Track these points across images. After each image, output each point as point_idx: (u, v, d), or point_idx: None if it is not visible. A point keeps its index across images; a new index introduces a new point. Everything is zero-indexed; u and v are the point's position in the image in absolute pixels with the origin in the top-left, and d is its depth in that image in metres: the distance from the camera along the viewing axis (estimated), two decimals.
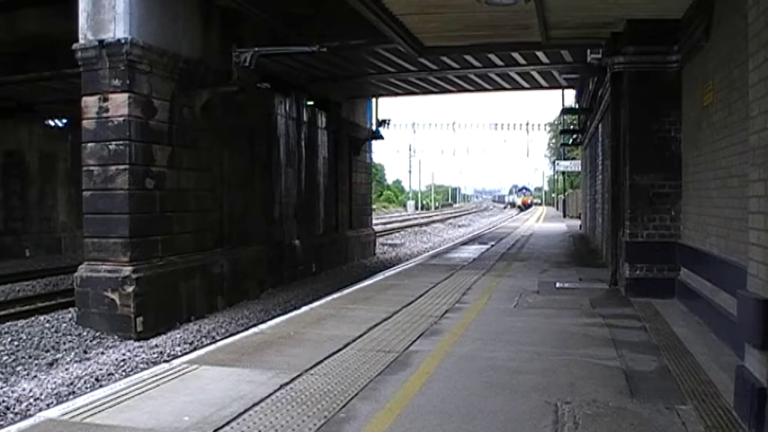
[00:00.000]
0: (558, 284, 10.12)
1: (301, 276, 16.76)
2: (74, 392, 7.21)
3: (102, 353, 9.07)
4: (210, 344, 7.81)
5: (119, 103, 10.08)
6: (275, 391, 4.54)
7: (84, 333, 9.84)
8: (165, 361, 7.58)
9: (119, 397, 4.41)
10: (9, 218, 20.80)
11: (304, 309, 8.18)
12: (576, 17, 9.29)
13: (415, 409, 4.19)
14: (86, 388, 7.37)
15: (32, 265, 17.98)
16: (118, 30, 10.01)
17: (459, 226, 44.28)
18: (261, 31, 13.17)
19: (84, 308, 10.14)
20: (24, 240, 20.85)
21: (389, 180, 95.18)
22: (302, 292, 14.32)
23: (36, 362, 8.57)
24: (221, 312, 11.88)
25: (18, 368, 8.29)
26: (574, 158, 37.28)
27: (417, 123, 62.67)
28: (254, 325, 8.26)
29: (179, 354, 8.69)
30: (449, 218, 55.34)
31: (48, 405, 6.67)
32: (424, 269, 12.48)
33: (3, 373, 8.05)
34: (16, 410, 6.71)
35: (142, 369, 7.74)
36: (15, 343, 9.35)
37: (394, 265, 15.96)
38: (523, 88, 20.63)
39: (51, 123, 22.71)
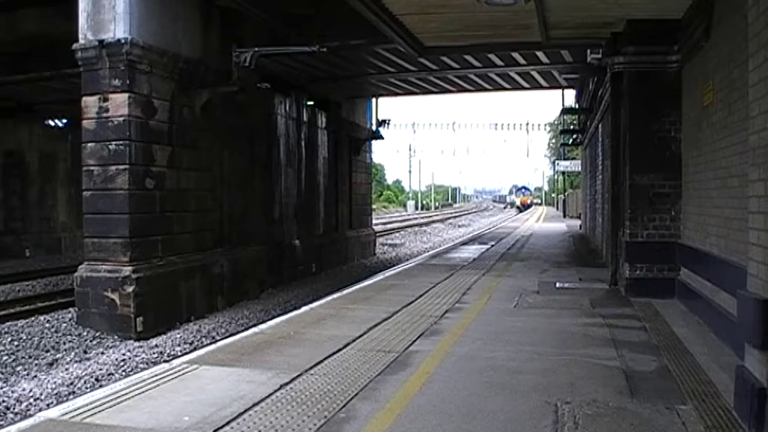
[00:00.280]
0: (558, 284, 10.12)
1: (301, 276, 16.76)
2: (74, 392, 7.21)
3: (102, 353, 9.07)
4: (210, 344, 7.81)
5: (119, 103, 10.08)
6: (275, 391, 4.54)
7: (84, 333, 9.84)
8: (165, 361, 7.58)
9: (119, 397, 4.41)
10: (9, 218, 20.80)
11: (304, 309, 8.18)
12: (576, 17, 9.29)
13: (415, 409, 4.19)
14: (86, 388, 7.37)
15: (32, 265, 17.98)
16: (118, 30, 10.01)
17: (459, 226, 44.29)
18: (261, 31, 13.17)
19: (84, 308, 10.14)
20: (24, 240, 20.85)
21: (389, 180, 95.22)
22: (302, 292, 14.32)
23: (36, 362, 8.57)
24: (221, 312, 11.88)
25: (18, 368, 8.29)
26: (574, 158, 37.27)
27: (417, 123, 62.77)
28: (254, 325, 8.26)
29: (179, 354, 8.69)
30: (449, 218, 55.35)
31: (48, 405, 6.67)
32: (424, 269, 12.48)
33: (3, 373, 8.05)
34: (16, 410, 6.71)
35: (142, 369, 7.74)
36: (15, 343, 9.35)
37: (394, 265, 15.96)
38: (523, 88, 20.63)
39: (51, 123, 22.71)
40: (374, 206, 37.39)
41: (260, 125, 14.61)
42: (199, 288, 11.57)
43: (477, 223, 47.59)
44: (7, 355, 8.80)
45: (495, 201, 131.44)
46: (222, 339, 7.61)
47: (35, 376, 7.95)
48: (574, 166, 35.35)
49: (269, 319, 8.32)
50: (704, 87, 7.11)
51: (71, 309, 10.82)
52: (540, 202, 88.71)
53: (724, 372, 4.91)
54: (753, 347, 3.82)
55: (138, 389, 4.60)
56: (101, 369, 8.22)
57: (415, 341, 6.11)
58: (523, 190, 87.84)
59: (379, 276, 11.80)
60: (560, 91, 23.88)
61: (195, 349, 8.06)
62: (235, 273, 12.76)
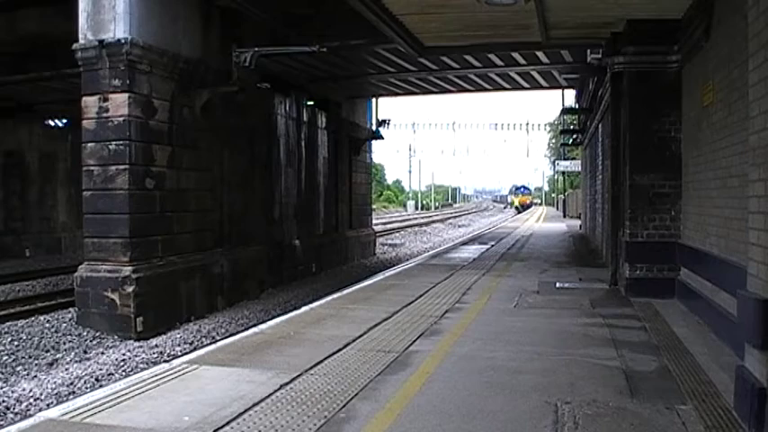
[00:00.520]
0: (558, 284, 10.12)
1: (301, 276, 16.76)
2: (74, 392, 7.21)
3: (102, 353, 9.07)
4: (210, 344, 7.81)
5: (119, 103, 10.08)
6: (275, 391, 4.54)
7: (84, 333, 9.84)
8: (165, 361, 7.58)
9: (119, 397, 4.41)
10: (9, 218, 20.80)
11: (304, 309, 8.18)
12: (576, 17, 9.29)
13: (415, 409, 4.19)
14: (86, 388, 7.37)
15: (32, 265, 17.98)
16: (118, 30, 10.01)
17: (459, 226, 44.29)
18: (261, 31, 13.17)
19: (84, 308, 10.14)
20: (24, 240, 20.85)
21: (389, 180, 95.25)
22: (302, 292, 14.32)
23: (36, 362, 8.57)
24: (221, 312, 11.88)
25: (18, 368, 8.29)
26: (574, 158, 37.27)
27: (417, 123, 62.77)
28: (254, 325, 8.26)
29: (179, 354, 8.68)
30: (449, 218, 55.35)
31: (48, 405, 6.67)
32: (424, 269, 12.48)
33: (3, 373, 8.05)
34: (16, 410, 6.71)
35: (142, 369, 7.74)
36: (15, 343, 9.35)
37: (394, 265, 15.96)
38: (523, 88, 20.63)
39: (51, 123, 22.71)
40: (374, 206, 37.39)
41: (260, 125, 14.61)
42: (199, 288, 11.57)
43: (477, 223, 47.59)
44: (7, 355, 8.79)
45: (494, 201, 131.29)
46: (222, 339, 7.61)
47: (35, 376, 7.95)
48: (574, 166, 35.35)
49: (269, 319, 8.32)
50: (704, 87, 7.11)
51: (71, 309, 10.82)
52: (540, 202, 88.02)
53: (724, 372, 4.91)
54: (753, 347, 3.82)
55: (138, 389, 4.60)
56: (101, 369, 8.22)
57: (415, 341, 6.11)
58: (522, 189, 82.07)
59: (379, 276, 11.80)
60: (560, 91, 23.89)
61: (195, 349, 8.06)
62: (235, 273, 12.76)
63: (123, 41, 9.95)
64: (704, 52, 7.21)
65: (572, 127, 27.07)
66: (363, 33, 12.20)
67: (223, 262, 12.39)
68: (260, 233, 14.30)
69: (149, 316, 10.09)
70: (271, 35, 13.20)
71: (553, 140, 60.81)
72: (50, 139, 22.12)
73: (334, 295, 9.34)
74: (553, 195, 76.90)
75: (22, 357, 8.75)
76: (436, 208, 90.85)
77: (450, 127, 46.00)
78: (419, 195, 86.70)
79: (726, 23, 6.26)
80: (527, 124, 55.61)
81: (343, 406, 4.24)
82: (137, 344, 9.49)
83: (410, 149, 70.09)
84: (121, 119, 10.07)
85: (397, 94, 22.33)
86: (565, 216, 41.26)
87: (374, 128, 23.76)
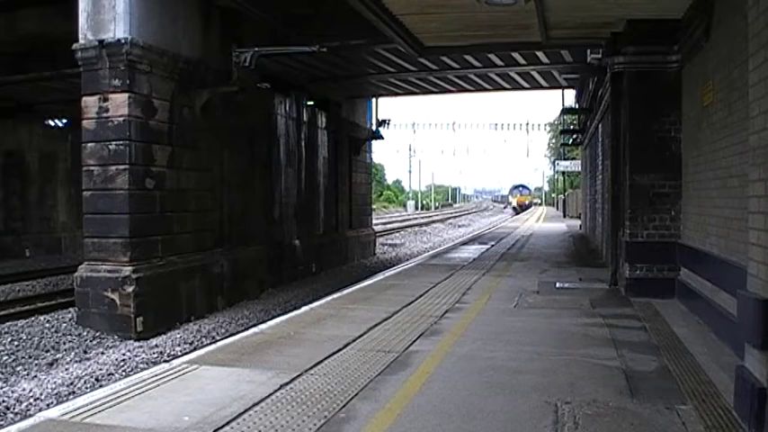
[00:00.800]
0: (558, 284, 10.12)
1: (301, 276, 16.76)
2: (74, 392, 7.21)
3: (102, 353, 9.07)
4: (210, 344, 7.81)
5: (119, 103, 10.08)
6: (275, 391, 4.54)
7: (84, 333, 9.84)
8: (165, 361, 7.58)
9: (119, 397, 4.41)
10: (9, 218, 20.80)
11: (304, 309, 8.18)
12: (576, 17, 9.29)
13: (415, 409, 4.19)
14: (86, 388, 7.37)
15: (32, 265, 17.98)
16: (118, 30, 10.01)
17: (459, 226, 44.29)
18: (261, 31, 13.17)
19: (84, 308, 10.14)
20: (24, 240, 20.85)
21: (389, 180, 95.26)
22: (302, 292, 14.32)
23: (36, 362, 8.57)
24: (221, 312, 11.88)
25: (18, 368, 8.29)
26: (574, 158, 37.27)
27: (417, 123, 62.78)
28: (254, 325, 8.26)
29: (179, 354, 8.69)
30: (449, 218, 55.34)
31: (48, 405, 6.67)
32: (424, 269, 12.48)
33: (3, 373, 8.05)
34: (16, 410, 6.72)
35: (142, 369, 7.74)
36: (15, 343, 9.35)
37: (394, 265, 15.96)
38: (523, 88, 20.63)
39: (51, 123, 22.71)
40: (374, 206, 37.39)
41: (260, 125, 14.61)
42: (199, 288, 11.57)
43: (477, 223, 47.59)
44: (7, 355, 8.80)
45: (494, 201, 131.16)
46: (222, 339, 7.61)
47: (35, 376, 7.95)
48: (574, 166, 35.35)
49: (269, 319, 8.32)
50: (704, 87, 7.11)
51: (71, 309, 10.82)
52: (540, 201, 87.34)
53: (724, 372, 4.91)
54: (753, 347, 3.82)
55: (138, 389, 4.60)
56: (101, 369, 8.22)
57: (415, 341, 6.11)
58: (520, 188, 75.78)
59: (379, 276, 11.80)
60: (560, 91, 23.89)
61: (195, 349, 8.06)
62: (235, 273, 12.76)
63: (123, 41, 9.95)
64: (704, 52, 7.21)
65: (572, 127, 27.07)
66: (363, 33, 12.20)
67: (223, 262, 12.39)
68: (260, 233, 14.31)
69: (149, 316, 10.08)
70: (271, 35, 13.20)
71: (553, 140, 60.76)
72: (50, 139, 22.12)
73: (334, 295, 9.34)
74: (553, 195, 76.49)
75: (22, 357, 8.75)
76: (436, 208, 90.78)
77: (450, 127, 46.04)
78: (419, 195, 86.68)
79: (726, 23, 6.26)
80: (527, 124, 55.71)
81: (343, 406, 4.24)
82: (137, 344, 9.49)
83: (410, 149, 70.13)
84: (121, 119, 10.07)
85: (397, 94, 22.32)
86: (565, 216, 41.27)
87: (374, 128, 23.77)
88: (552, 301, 8.54)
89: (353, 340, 6.12)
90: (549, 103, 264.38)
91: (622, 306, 8.08)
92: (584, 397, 4.41)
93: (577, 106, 22.88)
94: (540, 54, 14.90)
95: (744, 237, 4.47)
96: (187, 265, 11.29)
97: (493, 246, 18.22)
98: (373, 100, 23.53)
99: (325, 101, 19.41)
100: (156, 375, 4.95)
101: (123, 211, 10.08)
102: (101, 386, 7.08)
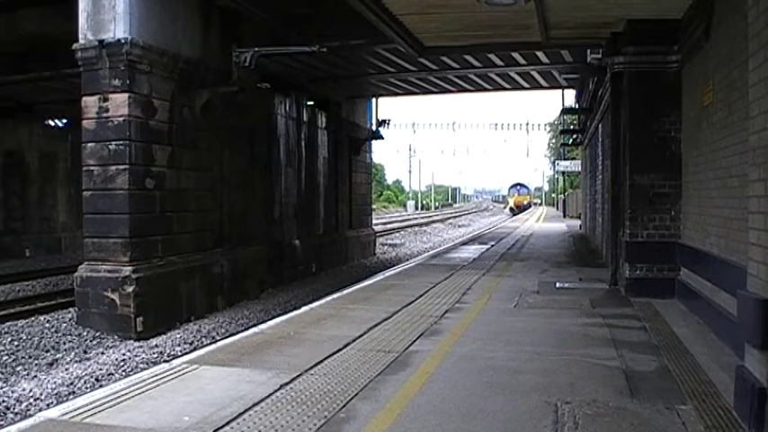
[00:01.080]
0: (558, 284, 10.12)
1: (301, 276, 16.76)
2: (74, 392, 7.21)
3: (102, 353, 9.07)
4: (210, 344, 7.81)
5: (119, 103, 10.08)
6: (275, 391, 4.54)
7: (84, 333, 9.84)
8: (165, 361, 7.58)
9: (119, 397, 4.41)
10: (9, 218, 20.80)
11: (304, 309, 8.18)
12: (576, 17, 9.29)
13: (415, 409, 4.19)
14: (86, 388, 7.37)
15: (32, 265, 17.98)
16: (118, 30, 10.01)
17: (459, 226, 44.29)
18: (261, 31, 13.17)
19: (84, 308, 10.14)
20: (24, 240, 20.85)
21: (389, 180, 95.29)
22: (302, 292, 14.32)
23: (36, 362, 8.57)
24: (221, 312, 11.88)
25: (18, 368, 8.29)
26: (574, 158, 37.27)
27: (417, 123, 62.73)
28: (254, 325, 8.26)
29: (179, 354, 8.69)
30: (449, 218, 55.34)
31: (48, 405, 6.67)
32: (424, 269, 12.48)
33: (3, 373, 8.05)
34: (16, 410, 6.72)
35: (142, 369, 7.74)
36: (15, 343, 9.35)
37: (394, 265, 15.96)
38: (523, 88, 20.64)
39: (51, 123, 22.71)
40: (374, 206, 37.40)
41: (260, 125, 14.61)
42: (199, 288, 11.57)
43: (477, 223, 47.59)
44: (7, 355, 8.80)
45: (494, 201, 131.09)
46: (222, 339, 7.61)
47: (35, 376, 7.95)
48: (574, 166, 35.35)
49: (269, 319, 8.32)
50: (704, 87, 7.11)
51: (71, 309, 10.82)
52: (539, 201, 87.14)
53: (724, 372, 4.91)
54: (753, 347, 3.82)
55: (138, 389, 4.60)
56: (101, 369, 8.22)
57: (415, 341, 6.11)
58: (518, 187, 70.22)
59: (379, 276, 11.80)
60: (560, 91, 23.90)
61: (195, 349, 8.06)
62: (235, 273, 12.76)
63: (123, 41, 9.95)
64: (704, 52, 7.21)
65: (572, 127, 27.07)
66: (363, 33, 12.20)
67: (223, 262, 12.39)
68: (260, 233, 14.31)
69: (149, 316, 10.08)
70: (271, 35, 13.20)
71: (553, 140, 60.75)
72: (50, 139, 22.12)
73: (334, 295, 9.34)
74: (553, 195, 76.46)
75: (22, 357, 8.75)
76: (436, 208, 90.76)
77: (451, 127, 46.03)
78: (419, 195, 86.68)
79: (726, 23, 6.26)
80: (527, 124, 55.68)
81: (343, 406, 4.24)
82: (137, 344, 9.49)
83: (410, 149, 70.11)
84: (121, 119, 10.07)
85: (397, 94, 22.33)
86: (565, 216, 41.27)
87: (374, 128, 23.77)
88: (552, 301, 8.54)
89: (353, 340, 6.12)
90: (549, 103, 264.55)
91: (622, 306, 8.08)
92: (584, 397, 4.41)
93: (577, 106, 22.88)
94: (540, 54, 14.90)
95: (744, 237, 4.47)
96: (187, 265, 11.29)
97: (493, 246, 18.22)
98: (373, 100, 23.54)
99: (325, 101, 19.41)
100: (156, 375, 4.95)
101: (123, 211, 10.08)
102: (101, 386, 7.08)
